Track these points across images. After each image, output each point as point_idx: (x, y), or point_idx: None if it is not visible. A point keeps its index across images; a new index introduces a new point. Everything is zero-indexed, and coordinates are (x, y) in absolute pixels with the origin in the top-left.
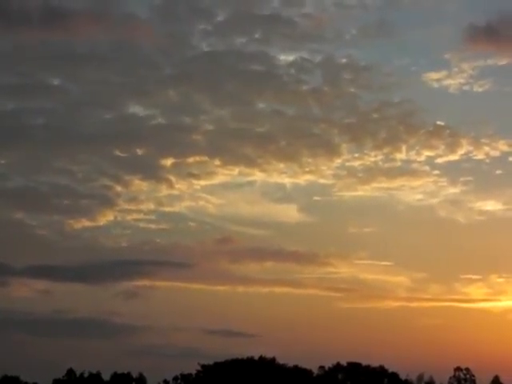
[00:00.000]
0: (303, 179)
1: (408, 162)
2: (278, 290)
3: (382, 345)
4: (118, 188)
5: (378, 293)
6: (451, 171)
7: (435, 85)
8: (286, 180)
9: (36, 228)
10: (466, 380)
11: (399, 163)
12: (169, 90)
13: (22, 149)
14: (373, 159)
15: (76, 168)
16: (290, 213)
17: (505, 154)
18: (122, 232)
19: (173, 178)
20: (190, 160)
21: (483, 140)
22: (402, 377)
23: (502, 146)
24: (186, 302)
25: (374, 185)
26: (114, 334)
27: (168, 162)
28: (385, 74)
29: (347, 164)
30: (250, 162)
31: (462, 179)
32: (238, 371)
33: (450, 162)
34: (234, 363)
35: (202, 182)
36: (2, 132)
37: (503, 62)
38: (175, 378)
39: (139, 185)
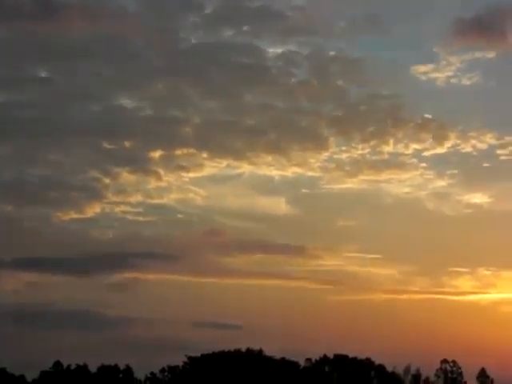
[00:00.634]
0: (291, 172)
1: (396, 154)
2: (265, 282)
3: (369, 337)
4: (106, 180)
5: (366, 285)
6: (439, 164)
7: (423, 78)
8: (274, 172)
9: (24, 220)
10: (452, 372)
11: (387, 156)
12: (157, 83)
13: (10, 141)
14: (360, 152)
15: (64, 160)
16: (278, 205)
17: (492, 147)
18: (110, 224)
19: (161, 171)
20: (179, 152)
21: (471, 133)
22: (389, 369)
23: (490, 139)
24: (174, 294)
25: (362, 177)
26: (101, 326)
27: (156, 154)
28: (373, 67)
29: (335, 157)
30: (238, 155)
31: (449, 172)
32: (225, 363)
33: (437, 155)
34: (221, 355)
35: (191, 175)
36: None
37: (491, 55)
38: (162, 370)
39: (127, 177)
